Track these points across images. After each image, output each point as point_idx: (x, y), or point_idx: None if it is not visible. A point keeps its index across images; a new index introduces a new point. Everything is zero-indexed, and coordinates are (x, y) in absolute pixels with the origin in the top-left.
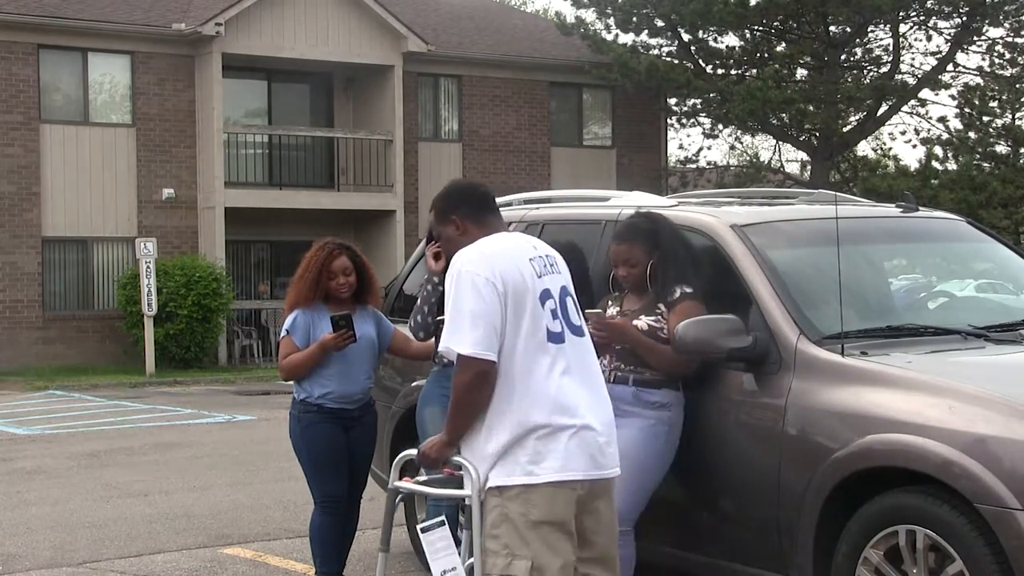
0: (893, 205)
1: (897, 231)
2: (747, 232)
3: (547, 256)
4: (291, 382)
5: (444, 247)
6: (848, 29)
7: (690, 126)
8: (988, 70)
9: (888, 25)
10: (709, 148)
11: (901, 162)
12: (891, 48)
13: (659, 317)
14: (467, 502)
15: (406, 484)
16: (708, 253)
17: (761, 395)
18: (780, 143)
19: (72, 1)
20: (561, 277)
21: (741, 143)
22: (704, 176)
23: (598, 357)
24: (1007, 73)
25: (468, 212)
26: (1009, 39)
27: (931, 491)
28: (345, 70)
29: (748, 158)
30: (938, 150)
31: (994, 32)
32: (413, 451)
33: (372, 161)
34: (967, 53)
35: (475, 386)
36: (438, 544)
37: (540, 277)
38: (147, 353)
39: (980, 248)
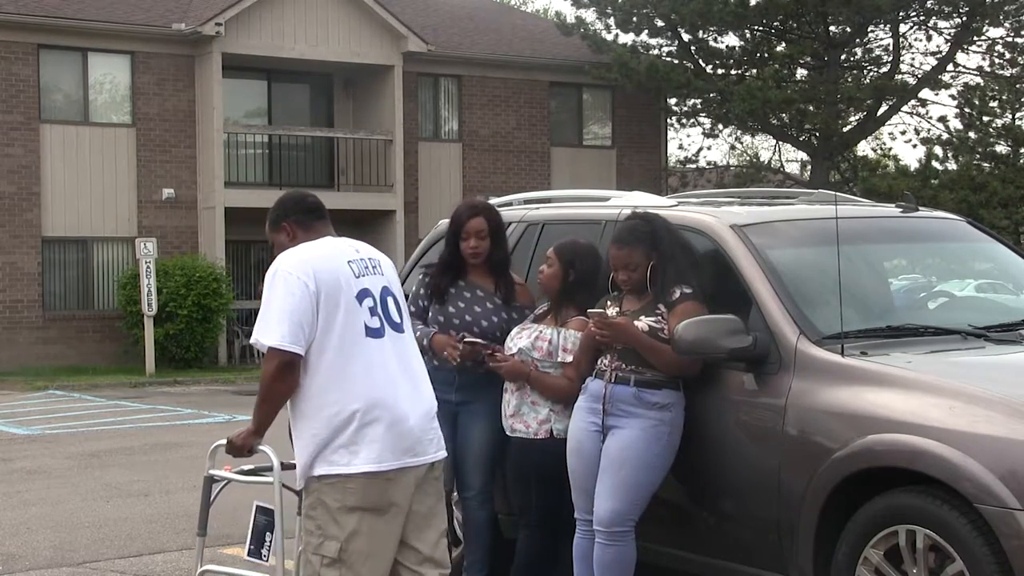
0: (893, 205)
1: (897, 231)
2: (747, 232)
3: (370, 259)
4: None
5: (276, 255)
6: (848, 29)
7: (690, 126)
8: (988, 70)
9: (888, 25)
10: (709, 148)
11: (901, 162)
12: (891, 48)
13: (659, 318)
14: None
15: (220, 472)
16: (708, 253)
17: (761, 395)
18: (780, 143)
19: (72, 1)
20: (383, 278)
21: (741, 143)
22: (704, 176)
23: (599, 357)
24: (1007, 73)
25: (298, 219)
26: (1009, 39)
27: (931, 491)
28: (345, 70)
29: (748, 158)
30: (938, 150)
31: (994, 32)
32: (223, 440)
33: (372, 161)
34: (967, 53)
35: (279, 376)
36: (261, 524)
37: (359, 277)
38: (147, 353)
39: (980, 248)
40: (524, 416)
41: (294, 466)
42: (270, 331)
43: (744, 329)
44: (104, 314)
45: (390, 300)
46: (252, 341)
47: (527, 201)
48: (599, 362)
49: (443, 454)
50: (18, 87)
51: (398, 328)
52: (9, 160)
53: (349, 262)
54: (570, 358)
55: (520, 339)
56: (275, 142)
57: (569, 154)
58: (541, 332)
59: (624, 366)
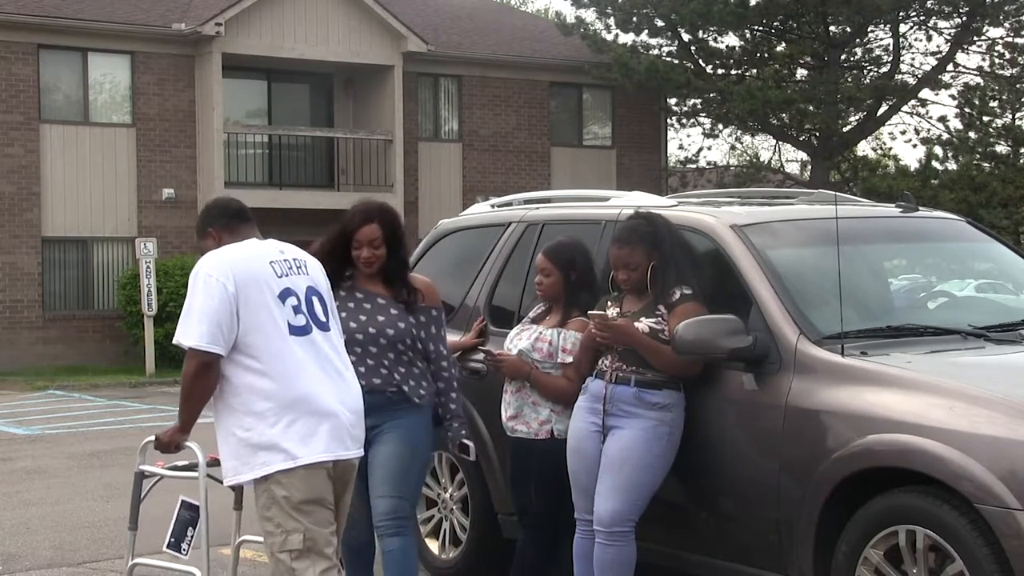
0: (893, 205)
1: (897, 231)
2: (747, 232)
3: (295, 260)
4: None
5: None
6: (848, 29)
7: (690, 126)
8: (988, 70)
9: (888, 25)
10: (709, 148)
11: (901, 162)
12: (891, 48)
13: (660, 319)
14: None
15: (151, 468)
16: (708, 253)
17: (761, 395)
18: (780, 143)
19: (72, 1)
20: (308, 278)
21: (741, 143)
22: (704, 176)
23: (599, 358)
24: (1007, 73)
25: (223, 224)
26: (1009, 39)
27: (931, 491)
28: (345, 70)
29: (748, 158)
30: (938, 150)
31: (994, 32)
32: (152, 437)
33: (372, 161)
34: (967, 53)
35: (199, 375)
36: (184, 519)
37: (281, 277)
38: (147, 353)
39: (980, 248)
40: (525, 416)
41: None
42: (190, 332)
43: (744, 329)
44: (104, 314)
45: (315, 299)
46: (175, 341)
47: (527, 201)
48: (600, 362)
49: (362, 452)
50: (18, 87)
51: (324, 327)
52: (9, 160)
53: (271, 262)
54: (570, 359)
55: (520, 340)
56: (275, 142)
57: (569, 154)
58: (541, 333)
59: (625, 366)
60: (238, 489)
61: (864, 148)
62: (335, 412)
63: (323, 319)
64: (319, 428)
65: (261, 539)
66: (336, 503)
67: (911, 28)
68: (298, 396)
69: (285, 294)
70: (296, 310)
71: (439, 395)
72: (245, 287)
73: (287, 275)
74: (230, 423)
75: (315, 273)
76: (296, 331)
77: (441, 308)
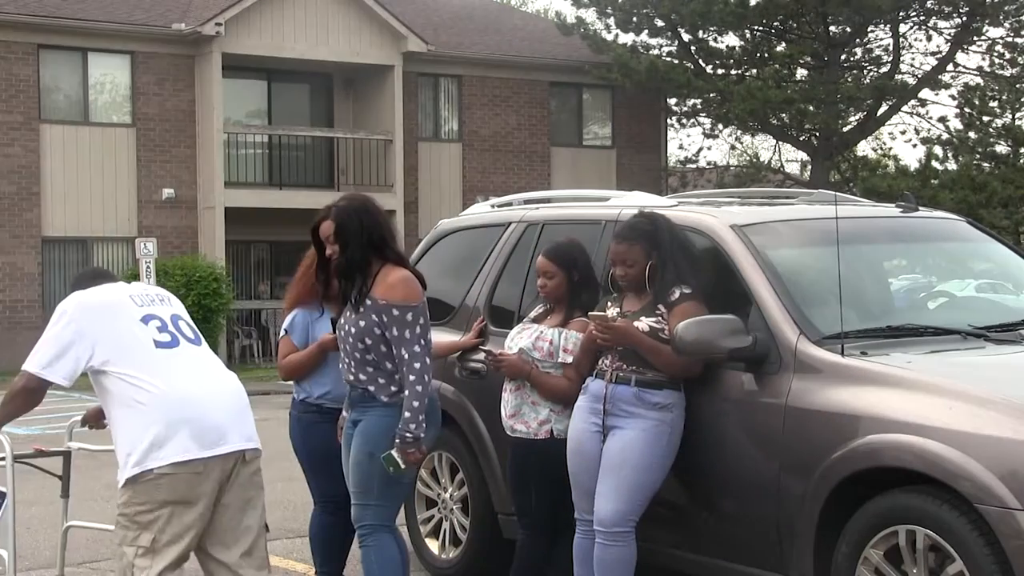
0: (893, 205)
1: (897, 231)
2: (747, 232)
3: (157, 295)
4: (291, 382)
5: None
6: (848, 29)
7: (690, 126)
8: (988, 70)
9: (888, 25)
10: (709, 148)
11: (901, 162)
12: (891, 48)
13: (660, 318)
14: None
15: None
16: (708, 253)
17: (761, 395)
18: (780, 143)
19: (72, 1)
20: (172, 308)
21: (741, 143)
22: (704, 176)
23: (599, 358)
24: (1007, 73)
25: (85, 286)
26: (1009, 39)
27: (931, 491)
28: (345, 70)
29: (748, 158)
30: (938, 150)
31: (994, 32)
32: None
33: (372, 161)
34: (967, 53)
35: (22, 394)
36: None
37: (141, 306)
38: None
39: (980, 248)
40: (524, 416)
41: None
42: (33, 358)
43: (744, 329)
44: None
45: (182, 323)
46: (25, 366)
47: (527, 201)
48: (600, 362)
49: (252, 445)
50: (18, 87)
51: (194, 342)
52: (9, 160)
53: (131, 296)
54: (570, 359)
55: (521, 339)
56: (275, 142)
57: (569, 154)
58: (542, 332)
59: (625, 366)
60: (65, 478)
61: (864, 148)
62: (208, 414)
63: (192, 336)
64: (191, 429)
65: (87, 524)
66: (221, 498)
67: (911, 28)
68: (169, 401)
69: (147, 318)
70: (161, 329)
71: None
72: (100, 320)
73: (148, 305)
74: (115, 431)
75: (179, 308)
76: (163, 345)
77: (407, 307)
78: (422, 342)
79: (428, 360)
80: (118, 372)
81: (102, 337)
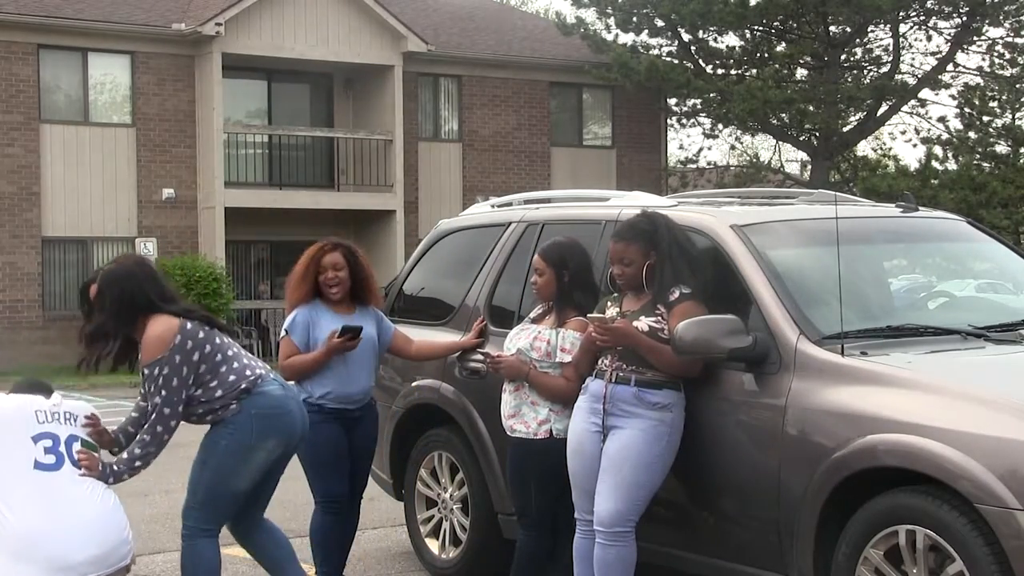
0: (893, 205)
1: (897, 231)
2: (747, 232)
3: (66, 412)
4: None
5: None
6: (848, 29)
7: (690, 126)
8: (988, 70)
9: (888, 25)
10: (709, 148)
11: (901, 162)
12: (891, 48)
13: (659, 318)
14: None
15: None
16: (708, 253)
17: (761, 395)
18: (780, 143)
19: (72, 1)
20: (72, 428)
21: (741, 143)
22: (704, 176)
23: (599, 358)
24: (1007, 73)
25: (17, 391)
26: (1009, 39)
27: (931, 491)
28: (345, 70)
29: (748, 158)
30: (938, 150)
31: (994, 32)
32: None
33: (372, 161)
34: (967, 53)
35: None
36: None
37: (41, 423)
38: None
39: (980, 248)
40: (524, 416)
41: None
42: None
43: (744, 329)
44: None
45: (75, 445)
46: None
47: (527, 201)
48: (599, 362)
49: (112, 569)
50: (18, 87)
51: (79, 466)
52: (9, 160)
53: (36, 411)
54: (569, 358)
55: (519, 339)
56: (275, 142)
57: (569, 154)
58: (540, 333)
59: (625, 366)
60: None
61: (864, 148)
62: (67, 553)
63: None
64: (30, 569)
65: None
66: None
67: (911, 28)
68: (17, 537)
69: (40, 436)
70: (48, 450)
71: None
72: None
73: (49, 423)
74: None
75: (80, 428)
76: (42, 467)
77: (150, 364)
78: (163, 393)
79: (168, 411)
80: None
81: None
